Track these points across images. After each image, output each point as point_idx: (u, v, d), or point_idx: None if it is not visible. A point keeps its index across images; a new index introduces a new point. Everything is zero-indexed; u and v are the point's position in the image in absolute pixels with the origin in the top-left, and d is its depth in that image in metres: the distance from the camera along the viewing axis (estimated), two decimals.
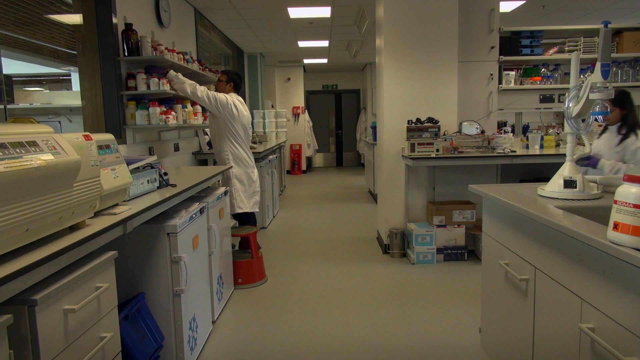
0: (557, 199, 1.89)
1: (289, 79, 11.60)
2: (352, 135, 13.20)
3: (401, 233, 4.46)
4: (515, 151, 4.23)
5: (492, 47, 4.50)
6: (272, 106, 10.39)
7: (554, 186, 1.94)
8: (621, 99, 3.05)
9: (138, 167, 2.34)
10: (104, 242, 1.65)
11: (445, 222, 4.28)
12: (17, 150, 1.18)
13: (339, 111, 13.43)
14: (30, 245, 1.32)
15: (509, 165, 4.46)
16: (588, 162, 2.88)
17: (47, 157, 1.27)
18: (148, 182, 2.35)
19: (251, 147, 4.76)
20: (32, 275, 1.24)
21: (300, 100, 11.75)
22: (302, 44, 8.52)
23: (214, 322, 3.08)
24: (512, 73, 4.59)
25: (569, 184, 1.88)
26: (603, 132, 3.22)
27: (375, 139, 7.05)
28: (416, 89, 4.42)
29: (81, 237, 1.46)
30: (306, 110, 12.04)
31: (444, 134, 4.32)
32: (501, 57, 4.53)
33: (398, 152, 4.48)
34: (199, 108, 4.53)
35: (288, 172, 11.30)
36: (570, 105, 1.87)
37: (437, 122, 4.27)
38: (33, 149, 1.25)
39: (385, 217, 4.62)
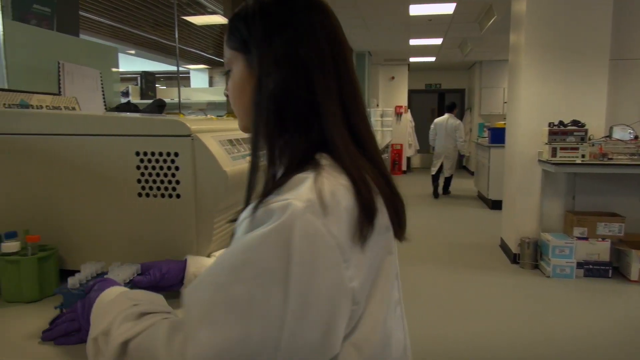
0: None
1: (392, 78, 11.45)
2: None
3: (534, 243, 4.18)
4: None
5: None
6: (377, 105, 10.34)
7: None
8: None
9: None
10: None
11: (587, 234, 3.93)
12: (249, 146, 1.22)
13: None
14: None
15: None
16: None
17: None
18: None
19: None
20: None
21: (403, 100, 11.56)
22: (413, 42, 8.35)
23: None
24: None
25: None
26: None
27: (493, 141, 6.73)
28: (559, 89, 4.10)
29: None
30: (409, 110, 11.82)
31: (590, 139, 3.96)
32: None
33: (534, 156, 4.19)
34: None
35: None
36: None
37: (582, 125, 3.93)
38: None
39: (514, 225, 4.35)
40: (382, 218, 0.63)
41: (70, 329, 0.75)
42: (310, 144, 0.63)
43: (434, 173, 7.97)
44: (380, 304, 0.63)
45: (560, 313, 3.26)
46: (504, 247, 4.73)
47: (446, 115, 8.01)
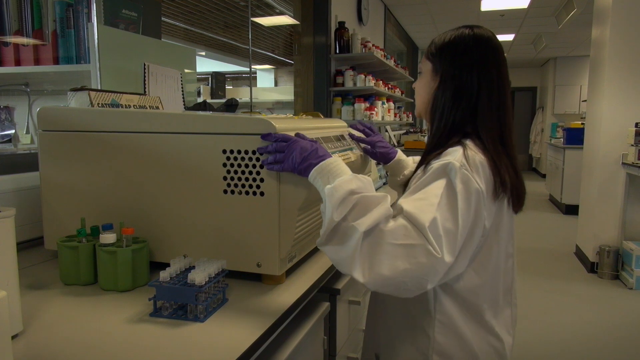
0: None
1: None
2: (524, 137, 12.15)
3: (615, 252, 3.89)
4: None
5: None
6: None
7: None
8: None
9: None
10: None
11: None
12: (338, 144, 1.22)
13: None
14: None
15: None
16: None
17: (354, 151, 1.29)
18: (380, 178, 2.37)
19: None
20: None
21: None
22: None
23: None
24: None
25: None
26: None
27: (569, 141, 6.36)
28: None
29: None
30: None
31: None
32: None
33: (617, 159, 3.90)
34: (392, 105, 4.52)
35: None
36: None
37: None
38: (344, 142, 1.28)
39: (592, 232, 4.08)
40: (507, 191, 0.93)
41: (278, 159, 0.91)
42: (457, 130, 0.98)
43: None
44: (493, 245, 0.95)
45: None
46: (579, 254, 4.45)
47: None
